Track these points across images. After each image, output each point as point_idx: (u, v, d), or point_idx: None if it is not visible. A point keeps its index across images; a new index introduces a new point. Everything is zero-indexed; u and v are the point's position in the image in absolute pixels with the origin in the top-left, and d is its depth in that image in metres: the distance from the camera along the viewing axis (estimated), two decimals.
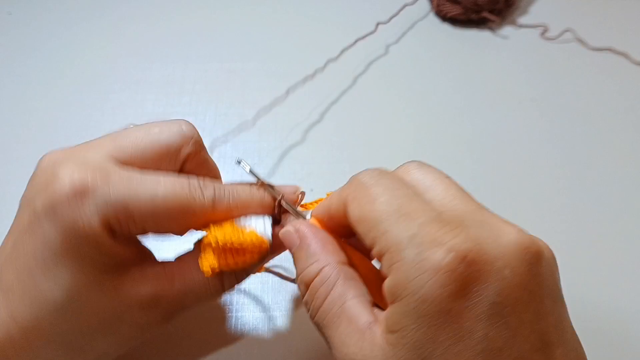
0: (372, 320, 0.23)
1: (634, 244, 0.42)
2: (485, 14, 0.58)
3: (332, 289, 0.24)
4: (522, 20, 0.61)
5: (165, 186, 0.26)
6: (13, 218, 0.29)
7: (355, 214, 0.24)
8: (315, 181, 0.46)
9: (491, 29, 0.60)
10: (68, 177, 0.24)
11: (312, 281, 0.25)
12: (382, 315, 0.22)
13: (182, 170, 0.29)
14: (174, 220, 0.26)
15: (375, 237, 0.22)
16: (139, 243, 0.29)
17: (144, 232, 0.27)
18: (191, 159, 0.29)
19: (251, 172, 0.30)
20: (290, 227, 0.27)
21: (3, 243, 0.27)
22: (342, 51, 0.53)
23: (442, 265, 0.20)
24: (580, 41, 0.58)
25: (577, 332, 0.23)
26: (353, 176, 0.26)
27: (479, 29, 0.60)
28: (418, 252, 0.20)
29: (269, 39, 0.59)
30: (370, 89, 0.54)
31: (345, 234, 0.27)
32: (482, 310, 0.20)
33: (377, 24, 0.55)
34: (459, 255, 0.20)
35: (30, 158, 0.47)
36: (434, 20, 0.60)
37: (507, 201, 0.44)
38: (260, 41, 0.58)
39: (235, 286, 0.30)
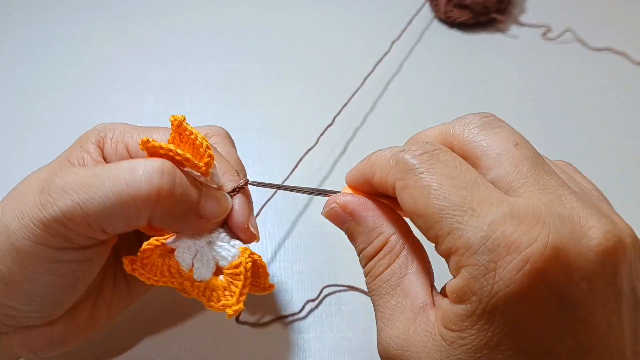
0: (429, 302, 0.22)
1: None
2: (494, 15, 0.58)
3: (395, 258, 0.23)
4: (523, 20, 0.61)
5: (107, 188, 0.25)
6: None
7: (409, 205, 0.21)
8: (316, 182, 0.46)
9: (500, 30, 0.60)
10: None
11: (378, 254, 0.24)
12: (441, 303, 0.21)
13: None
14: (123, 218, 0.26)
15: (438, 235, 0.21)
16: None
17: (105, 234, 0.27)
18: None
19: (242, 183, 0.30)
20: (333, 204, 0.26)
21: None
22: (343, 53, 0.53)
23: (517, 278, 0.18)
24: (581, 41, 0.58)
25: None
26: (397, 154, 0.23)
27: (480, 31, 0.60)
28: (491, 259, 0.19)
29: (269, 40, 0.59)
30: (370, 91, 0.54)
31: (388, 197, 0.25)
32: (552, 325, 0.19)
33: (392, 43, 0.54)
34: (536, 267, 0.18)
35: (30, 158, 0.47)
36: (439, 27, 0.60)
37: None
38: (260, 41, 0.58)
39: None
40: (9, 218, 0.26)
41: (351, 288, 0.39)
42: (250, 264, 0.28)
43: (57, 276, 0.27)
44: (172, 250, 0.28)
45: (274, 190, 0.42)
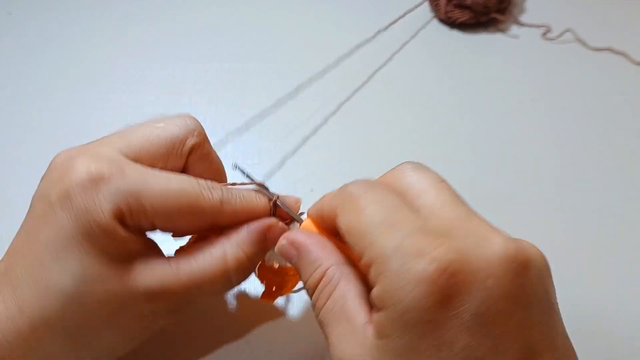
0: (367, 320, 0.23)
1: (635, 244, 0.42)
2: (495, 15, 0.58)
3: (335, 288, 0.25)
4: (523, 20, 0.61)
5: (176, 182, 0.27)
6: (14, 216, 0.29)
7: (344, 224, 0.24)
8: (315, 182, 0.46)
9: (500, 30, 0.60)
10: (84, 166, 0.25)
11: (319, 284, 0.26)
12: (373, 317, 0.23)
13: (187, 162, 0.30)
14: (183, 216, 0.27)
15: (362, 248, 0.23)
16: (146, 236, 0.29)
17: (153, 227, 0.27)
18: (195, 150, 0.30)
19: (247, 176, 0.32)
20: (283, 241, 0.28)
21: (14, 239, 0.28)
22: (341, 58, 0.53)
23: (424, 277, 0.20)
24: (581, 41, 0.58)
25: (579, 335, 0.23)
26: (343, 186, 0.26)
27: (480, 32, 0.60)
28: (402, 263, 0.21)
29: (268, 40, 0.59)
30: (372, 93, 0.54)
31: (338, 234, 0.27)
32: (464, 320, 0.20)
33: (377, 32, 0.54)
34: (441, 267, 0.20)
35: (30, 158, 0.47)
36: (438, 27, 0.60)
37: (507, 201, 0.44)
38: (260, 41, 0.58)
39: (243, 281, 0.30)
40: None
41: None
42: None
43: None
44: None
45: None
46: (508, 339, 0.20)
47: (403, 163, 0.27)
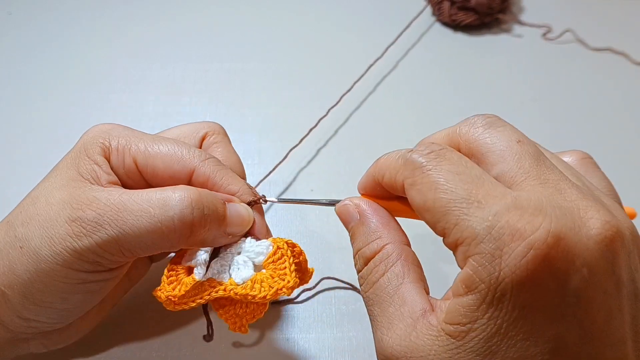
0: (427, 308, 0.22)
1: None
2: (499, 16, 0.59)
3: (391, 267, 0.24)
4: (524, 21, 0.61)
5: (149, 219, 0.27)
6: None
7: (418, 201, 0.22)
8: (315, 182, 0.46)
9: (502, 30, 0.60)
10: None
11: (373, 258, 0.24)
12: (443, 305, 0.22)
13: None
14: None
15: (445, 227, 0.21)
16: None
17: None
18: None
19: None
20: (348, 201, 0.27)
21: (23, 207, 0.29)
22: (342, 58, 0.53)
23: (522, 264, 0.19)
24: (581, 41, 0.58)
25: None
26: (405, 154, 0.24)
27: (480, 33, 0.60)
28: (496, 246, 0.20)
29: (269, 40, 0.59)
30: (372, 95, 0.54)
31: (389, 197, 0.26)
32: (557, 309, 0.20)
33: (387, 48, 0.54)
34: (540, 254, 0.19)
35: (30, 158, 0.47)
36: (440, 30, 0.60)
37: None
38: (260, 41, 0.58)
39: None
40: (37, 243, 0.27)
41: (350, 285, 0.39)
42: (285, 244, 0.30)
43: (85, 294, 0.29)
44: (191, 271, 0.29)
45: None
46: (597, 328, 0.20)
47: (474, 117, 0.25)
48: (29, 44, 0.57)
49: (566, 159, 0.27)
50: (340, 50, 0.58)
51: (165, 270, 0.29)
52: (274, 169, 0.44)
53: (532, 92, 0.54)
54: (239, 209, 0.30)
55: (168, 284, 0.29)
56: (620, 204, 0.25)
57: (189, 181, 0.30)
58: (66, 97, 0.52)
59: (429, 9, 0.61)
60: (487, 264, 0.20)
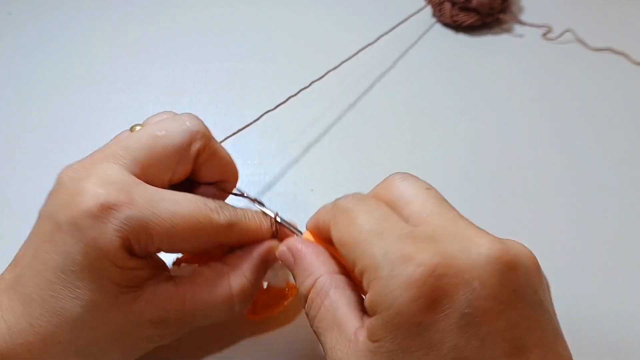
0: (358, 326, 0.24)
1: (635, 244, 0.42)
2: (500, 16, 0.59)
3: (325, 298, 0.26)
4: (523, 20, 0.61)
5: (183, 207, 0.27)
6: (13, 217, 0.29)
7: (337, 237, 0.25)
8: (315, 182, 0.46)
9: (502, 31, 0.60)
10: (93, 194, 0.25)
11: (310, 292, 0.26)
12: (365, 321, 0.24)
13: (195, 165, 0.31)
14: (189, 241, 0.28)
15: (355, 258, 0.24)
16: (153, 257, 0.30)
17: (159, 250, 0.28)
18: (202, 153, 0.30)
19: (246, 196, 0.33)
20: (283, 246, 0.29)
21: (21, 250, 0.28)
22: (343, 59, 0.53)
23: (412, 280, 0.21)
24: (581, 41, 0.58)
25: (578, 335, 0.23)
26: (335, 200, 0.27)
27: (480, 33, 0.60)
28: (391, 269, 0.21)
29: (269, 40, 0.59)
30: (375, 97, 0.54)
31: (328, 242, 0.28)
32: (451, 321, 0.21)
33: (379, 36, 0.54)
34: (428, 270, 0.21)
35: (30, 158, 0.47)
36: (439, 30, 0.60)
37: (508, 200, 0.44)
38: (260, 41, 0.58)
39: (246, 306, 0.32)
40: None
41: None
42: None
43: None
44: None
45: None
46: (495, 337, 0.21)
47: (392, 174, 0.27)
48: (29, 44, 0.57)
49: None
50: (340, 50, 0.57)
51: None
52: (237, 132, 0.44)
53: (532, 92, 0.54)
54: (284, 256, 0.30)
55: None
56: None
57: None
58: (66, 97, 0.52)
59: (428, 10, 0.61)
60: (383, 286, 0.22)
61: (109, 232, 0.25)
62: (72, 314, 0.26)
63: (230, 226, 0.29)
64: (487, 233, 0.23)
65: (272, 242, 0.31)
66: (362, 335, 0.23)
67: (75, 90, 0.53)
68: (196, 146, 0.30)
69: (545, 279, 0.24)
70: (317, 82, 0.54)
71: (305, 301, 0.27)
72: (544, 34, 0.59)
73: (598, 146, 0.49)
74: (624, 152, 0.49)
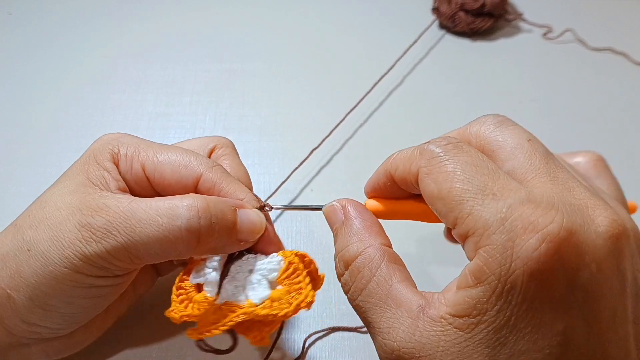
0: (423, 304, 0.22)
1: None
2: (509, 16, 0.60)
3: (376, 271, 0.23)
4: (524, 20, 0.61)
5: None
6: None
7: (432, 190, 0.23)
8: (316, 182, 0.46)
9: (514, 28, 0.60)
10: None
11: (354, 261, 0.24)
12: (442, 298, 0.22)
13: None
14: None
15: (457, 217, 0.21)
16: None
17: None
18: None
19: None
20: (336, 202, 0.27)
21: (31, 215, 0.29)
22: (343, 60, 0.53)
23: (534, 256, 0.19)
24: (581, 41, 0.58)
25: None
26: (421, 146, 0.24)
27: (485, 36, 0.60)
28: (509, 238, 0.20)
29: (269, 40, 0.59)
30: (375, 99, 0.54)
31: (399, 195, 0.26)
32: (566, 304, 0.20)
33: (396, 61, 0.53)
34: (552, 247, 0.19)
35: (30, 158, 0.47)
36: (440, 34, 0.60)
37: None
38: (261, 42, 0.58)
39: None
40: (45, 246, 0.27)
41: (333, 330, 0.37)
42: (297, 257, 0.29)
43: (91, 299, 0.28)
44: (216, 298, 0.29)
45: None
46: (603, 324, 0.20)
47: (484, 117, 0.25)
48: (29, 44, 0.57)
49: (579, 159, 0.27)
50: (340, 50, 0.58)
51: (174, 289, 0.29)
52: (290, 174, 0.44)
53: (532, 92, 0.54)
54: (251, 215, 0.29)
55: (179, 303, 0.28)
56: (625, 206, 0.25)
57: (196, 188, 0.30)
58: (66, 97, 0.52)
59: (432, 21, 0.61)
60: (498, 255, 0.20)
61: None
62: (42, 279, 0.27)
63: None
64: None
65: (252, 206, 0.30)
66: (437, 313, 0.21)
67: (75, 90, 0.53)
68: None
69: None
70: (316, 82, 0.54)
71: (345, 268, 0.25)
72: (544, 34, 0.59)
73: (598, 146, 0.49)
74: (624, 152, 0.49)
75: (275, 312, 0.28)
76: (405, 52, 0.54)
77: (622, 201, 0.27)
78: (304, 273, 0.29)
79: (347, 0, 0.64)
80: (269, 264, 0.29)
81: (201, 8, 0.62)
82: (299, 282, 0.29)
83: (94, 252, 0.26)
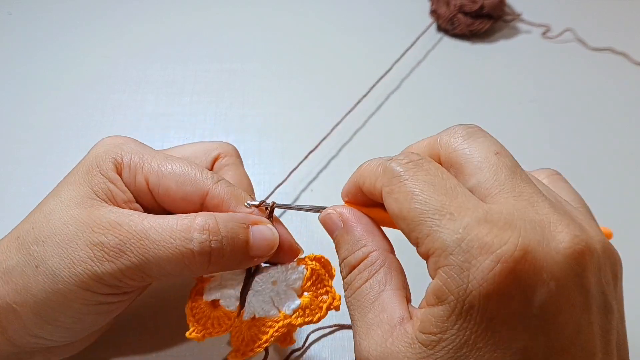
0: (405, 316, 0.22)
1: (635, 243, 0.42)
2: (508, 16, 0.60)
3: (374, 274, 0.24)
4: (523, 20, 0.61)
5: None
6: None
7: (394, 209, 0.23)
8: (315, 182, 0.46)
9: (512, 28, 0.60)
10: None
11: (359, 265, 0.25)
12: (419, 313, 0.22)
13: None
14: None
15: (418, 237, 0.22)
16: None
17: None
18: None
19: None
20: (332, 210, 0.27)
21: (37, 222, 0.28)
22: (343, 60, 0.53)
23: (489, 277, 0.20)
24: (581, 41, 0.58)
25: None
26: (384, 163, 0.24)
27: (485, 37, 0.60)
28: (465, 259, 0.20)
29: (269, 40, 0.59)
30: (375, 100, 0.54)
31: (370, 204, 0.27)
32: (524, 321, 0.20)
33: (393, 64, 0.53)
34: (506, 267, 0.19)
35: (30, 158, 0.47)
36: (439, 38, 0.60)
37: None
38: (261, 42, 0.58)
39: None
40: (55, 264, 0.26)
41: (340, 327, 0.38)
42: (318, 263, 0.30)
43: (99, 314, 0.28)
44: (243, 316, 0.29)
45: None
46: (565, 340, 0.20)
47: (455, 127, 0.25)
48: (29, 44, 0.57)
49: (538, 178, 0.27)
50: (341, 51, 0.58)
51: (188, 310, 0.29)
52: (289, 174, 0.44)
53: (532, 91, 0.54)
54: (264, 232, 0.29)
55: (196, 322, 0.28)
56: (592, 218, 0.25)
57: (202, 203, 0.29)
58: (66, 97, 0.52)
59: (428, 10, 0.61)
60: (455, 276, 0.20)
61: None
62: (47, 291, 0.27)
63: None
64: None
65: (261, 218, 0.29)
66: (411, 328, 0.22)
67: (75, 90, 0.53)
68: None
69: (619, 265, 0.23)
70: (316, 83, 0.54)
71: (350, 271, 0.25)
72: (544, 33, 0.59)
73: (598, 145, 0.49)
74: (624, 152, 0.49)
75: (309, 319, 0.29)
76: (402, 55, 0.54)
77: (588, 213, 0.26)
78: (327, 276, 0.30)
79: (346, 3, 0.64)
80: (292, 274, 0.30)
81: (201, 8, 0.62)
82: (325, 287, 0.30)
83: (106, 271, 0.26)
